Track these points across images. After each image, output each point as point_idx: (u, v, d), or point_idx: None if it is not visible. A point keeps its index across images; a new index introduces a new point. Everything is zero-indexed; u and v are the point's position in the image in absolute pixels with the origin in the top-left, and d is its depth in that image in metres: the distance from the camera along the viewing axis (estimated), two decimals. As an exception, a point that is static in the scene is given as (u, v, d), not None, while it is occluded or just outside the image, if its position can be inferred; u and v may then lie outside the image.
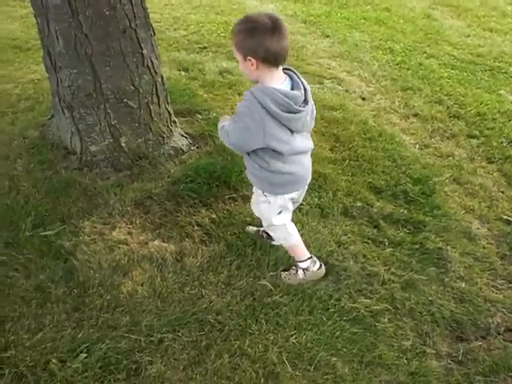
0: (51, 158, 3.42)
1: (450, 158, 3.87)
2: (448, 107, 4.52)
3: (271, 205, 2.56)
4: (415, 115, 4.39)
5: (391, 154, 3.76)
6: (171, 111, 3.53)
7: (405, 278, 2.76)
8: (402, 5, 7.11)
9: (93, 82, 3.08)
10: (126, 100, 3.19)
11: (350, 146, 3.80)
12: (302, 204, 3.13)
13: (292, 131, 2.33)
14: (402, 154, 3.78)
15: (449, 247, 3.02)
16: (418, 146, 3.97)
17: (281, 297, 2.59)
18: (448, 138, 4.11)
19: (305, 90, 2.30)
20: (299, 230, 2.89)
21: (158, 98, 3.33)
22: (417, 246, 2.98)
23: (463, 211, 3.34)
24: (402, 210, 3.23)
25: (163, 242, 2.86)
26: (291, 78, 2.31)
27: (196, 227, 2.95)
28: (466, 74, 5.15)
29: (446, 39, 6.00)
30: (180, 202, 3.12)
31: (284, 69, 2.29)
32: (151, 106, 3.31)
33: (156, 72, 3.28)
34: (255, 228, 2.96)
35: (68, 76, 3.10)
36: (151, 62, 3.20)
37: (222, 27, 6.04)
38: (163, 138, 3.41)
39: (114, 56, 3.00)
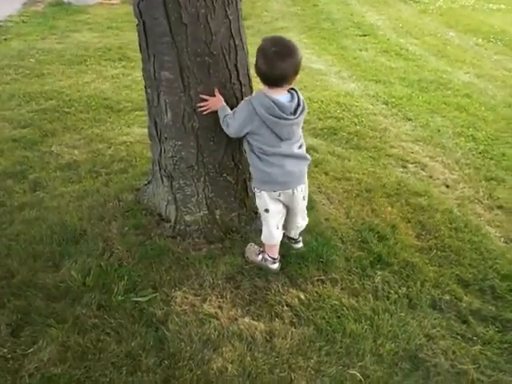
0: (145, 224, 3.52)
1: (537, 254, 3.78)
2: (533, 202, 4.44)
3: (259, 200, 3.04)
4: (499, 207, 4.31)
5: (478, 246, 3.69)
6: (265, 187, 3.59)
7: (494, 379, 2.67)
8: (482, 92, 7.10)
9: (196, 154, 3.19)
10: (225, 175, 3.29)
11: (437, 234, 3.76)
12: (389, 292, 3.13)
13: (280, 138, 2.80)
14: (488, 247, 3.70)
15: (537, 348, 2.93)
16: (503, 239, 3.89)
17: (371, 389, 2.54)
18: (534, 234, 4.03)
19: (298, 104, 2.80)
20: (388, 320, 2.89)
21: (255, 174, 3.42)
22: (506, 346, 2.89)
23: (553, 312, 3.24)
24: (490, 307, 3.15)
25: (253, 319, 2.86)
26: (292, 94, 2.82)
27: (285, 307, 2.95)
28: (550, 168, 5.07)
29: (528, 130, 5.94)
30: (270, 279, 3.14)
31: (290, 88, 2.83)
32: (248, 183, 3.40)
33: (255, 149, 3.38)
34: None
35: (172, 147, 3.21)
36: (252, 139, 3.29)
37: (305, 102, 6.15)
38: (256, 213, 3.47)
39: (218, 131, 3.09)
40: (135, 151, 4.67)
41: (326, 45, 9.33)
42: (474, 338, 2.91)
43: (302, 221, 3.22)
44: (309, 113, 5.72)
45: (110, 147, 4.83)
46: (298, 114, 2.80)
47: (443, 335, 2.90)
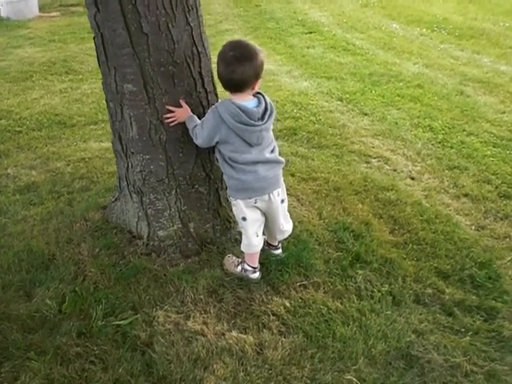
0: (117, 243, 3.39)
1: (508, 239, 3.79)
2: (497, 187, 4.47)
3: (235, 208, 2.97)
4: (466, 195, 4.34)
5: (451, 236, 3.70)
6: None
7: (487, 369, 2.66)
8: (433, 82, 7.18)
9: (165, 167, 3.10)
10: (197, 186, 3.21)
11: (409, 228, 3.75)
12: (373, 291, 3.10)
13: (250, 144, 2.75)
14: (461, 236, 3.72)
15: (524, 334, 2.93)
16: (473, 227, 3.92)
17: (368, 392, 2.49)
18: (502, 219, 4.05)
19: (265, 109, 2.74)
20: (375, 320, 2.86)
21: (227, 183, 3.34)
22: (493, 334, 2.89)
23: (531, 296, 3.26)
24: (472, 297, 3.15)
25: (241, 332, 2.78)
26: (259, 99, 2.76)
27: (272, 317, 2.88)
28: (508, 152, 5.10)
29: (482, 116, 6.00)
30: (252, 289, 3.06)
31: (256, 92, 2.78)
32: (220, 192, 3.32)
33: (226, 158, 3.30)
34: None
35: (140, 161, 3.11)
36: (222, 148, 3.21)
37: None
38: (230, 222, 3.40)
39: (187, 142, 3.02)
40: (95, 167, 4.54)
41: (273, 44, 9.31)
42: (462, 330, 2.90)
43: (286, 224, 3.15)
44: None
45: (68, 165, 4.69)
46: (266, 119, 2.75)
47: (431, 330, 2.88)
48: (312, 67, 7.92)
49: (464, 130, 5.59)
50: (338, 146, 5.14)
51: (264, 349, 2.69)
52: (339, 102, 6.47)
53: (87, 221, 3.64)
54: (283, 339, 2.75)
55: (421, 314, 2.98)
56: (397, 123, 5.77)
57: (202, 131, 2.80)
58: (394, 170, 4.75)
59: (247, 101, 2.73)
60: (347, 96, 6.63)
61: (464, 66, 7.96)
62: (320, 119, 5.83)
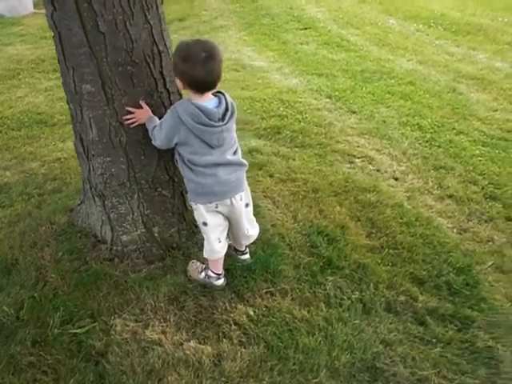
0: (80, 247, 3.30)
1: (490, 243, 3.68)
2: (483, 187, 4.35)
3: (196, 213, 2.88)
4: (450, 196, 4.23)
5: (430, 240, 3.59)
6: (204, 199, 3.42)
7: (456, 382, 2.56)
8: (426, 79, 7.06)
9: (127, 170, 3.00)
10: (160, 189, 3.11)
11: (388, 231, 3.64)
12: (342, 298, 3.00)
13: (210, 146, 2.64)
14: (441, 240, 3.61)
15: (499, 345, 2.80)
16: (456, 230, 3.80)
17: (328, 407, 2.39)
18: (486, 222, 3.93)
19: (226, 109, 2.64)
20: (342, 329, 2.76)
21: (193, 186, 3.24)
22: (466, 345, 2.78)
23: (510, 303, 3.14)
24: (447, 304, 3.04)
25: (199, 343, 2.68)
26: (219, 99, 2.66)
27: (233, 326, 2.78)
28: (497, 151, 5.00)
29: (473, 114, 5.88)
30: (216, 297, 2.96)
31: (217, 91, 2.68)
32: (185, 195, 3.21)
33: (190, 160, 3.20)
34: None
35: (101, 164, 3.02)
36: (185, 149, 3.11)
37: (247, 103, 6.00)
38: (196, 227, 3.28)
39: (148, 144, 2.91)
40: (69, 168, 4.45)
41: (266, 41, 9.17)
42: (433, 340, 2.80)
43: (251, 229, 3.04)
44: (251, 113, 5.61)
45: (43, 165, 4.60)
46: (226, 120, 2.64)
47: (401, 340, 2.78)
48: (303, 64, 7.78)
49: (453, 129, 5.47)
50: (321, 146, 5.02)
51: (222, 360, 2.59)
52: (328, 100, 6.34)
53: (53, 224, 3.54)
54: (243, 350, 2.65)
55: (391, 323, 2.88)
56: (385, 121, 5.65)
57: (160, 132, 2.70)
58: (378, 171, 4.63)
59: (207, 101, 2.63)
60: (336, 93, 6.50)
61: (459, 62, 7.82)
62: (306, 117, 5.70)
